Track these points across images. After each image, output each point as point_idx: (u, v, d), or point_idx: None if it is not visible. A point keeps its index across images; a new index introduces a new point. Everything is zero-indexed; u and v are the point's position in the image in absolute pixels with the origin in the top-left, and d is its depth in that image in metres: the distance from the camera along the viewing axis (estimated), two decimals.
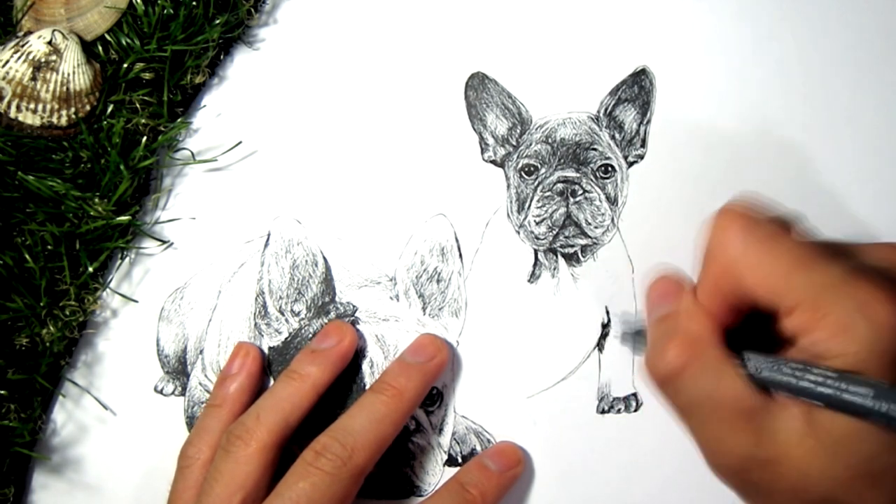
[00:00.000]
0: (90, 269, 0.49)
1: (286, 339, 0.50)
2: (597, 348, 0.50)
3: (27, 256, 0.48)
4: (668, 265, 0.43)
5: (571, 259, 0.50)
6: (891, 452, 0.33)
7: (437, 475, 0.49)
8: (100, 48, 0.50)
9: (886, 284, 0.33)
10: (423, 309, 0.50)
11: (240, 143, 0.51)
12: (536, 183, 0.50)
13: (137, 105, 0.50)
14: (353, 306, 0.50)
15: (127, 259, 0.51)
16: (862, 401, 0.32)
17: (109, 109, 0.50)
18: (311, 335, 0.49)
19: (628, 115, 0.51)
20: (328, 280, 0.50)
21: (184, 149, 0.51)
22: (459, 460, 0.49)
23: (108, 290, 0.50)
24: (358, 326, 0.49)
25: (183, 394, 0.50)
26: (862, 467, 0.33)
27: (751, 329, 0.37)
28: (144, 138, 0.49)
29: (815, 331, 0.33)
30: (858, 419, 0.32)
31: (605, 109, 0.51)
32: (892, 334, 0.32)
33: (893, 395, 0.31)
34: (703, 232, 0.38)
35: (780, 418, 0.34)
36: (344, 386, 0.49)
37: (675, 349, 0.37)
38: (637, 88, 0.51)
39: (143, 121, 0.49)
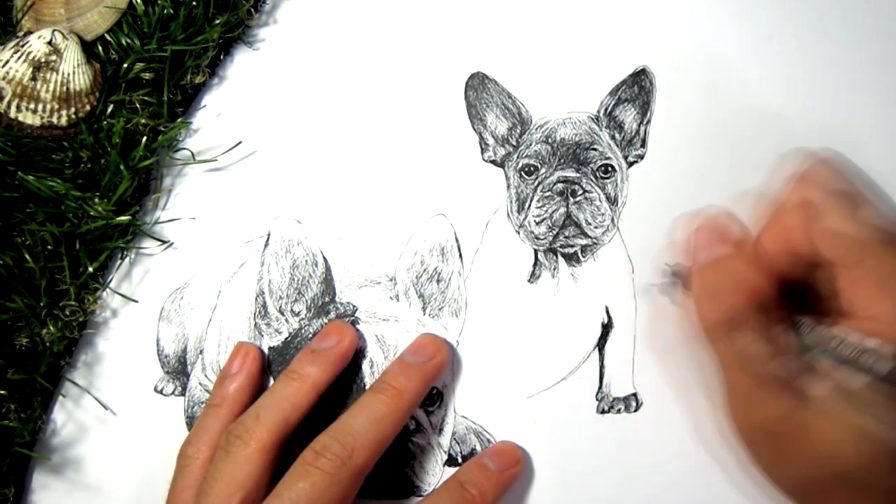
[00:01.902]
0: (90, 269, 0.49)
1: (286, 339, 0.50)
2: (597, 348, 0.50)
3: (27, 256, 0.48)
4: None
5: (571, 259, 0.50)
6: None
7: (437, 475, 0.49)
8: (100, 48, 0.50)
9: None
10: (423, 309, 0.50)
11: (240, 143, 0.51)
12: (536, 183, 0.50)
13: (137, 105, 0.50)
14: (353, 306, 0.50)
15: (127, 259, 0.51)
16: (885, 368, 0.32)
17: (109, 109, 0.50)
18: (311, 335, 0.49)
19: (628, 115, 0.51)
20: (328, 280, 0.50)
21: (184, 149, 0.51)
22: (459, 460, 0.49)
23: (108, 290, 0.50)
24: (358, 326, 0.49)
25: (183, 394, 0.50)
26: (891, 454, 0.33)
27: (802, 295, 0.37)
28: (144, 138, 0.49)
29: (860, 291, 0.34)
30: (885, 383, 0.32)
31: (605, 109, 0.51)
32: None
33: None
34: (782, 184, 0.37)
35: (820, 388, 0.34)
36: (344, 386, 0.49)
37: (734, 298, 0.36)
38: (637, 88, 0.51)
39: (143, 121, 0.49)
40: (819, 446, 0.34)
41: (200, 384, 0.50)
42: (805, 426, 0.34)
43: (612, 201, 0.50)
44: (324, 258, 0.50)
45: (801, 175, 0.37)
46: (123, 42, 0.50)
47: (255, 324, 0.50)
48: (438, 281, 0.50)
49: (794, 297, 0.37)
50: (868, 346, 0.33)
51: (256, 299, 0.50)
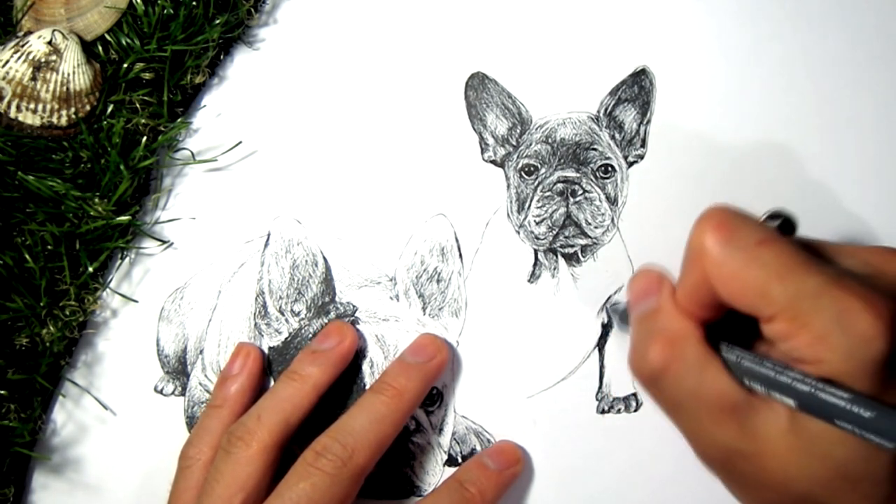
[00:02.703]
0: (90, 269, 0.49)
1: (286, 339, 0.50)
2: (597, 348, 0.50)
3: (27, 256, 0.48)
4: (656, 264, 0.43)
5: (571, 259, 0.50)
6: (868, 460, 0.33)
7: (436, 475, 0.49)
8: (100, 48, 0.50)
9: (866, 293, 0.33)
10: (423, 309, 0.50)
11: (240, 143, 0.51)
12: (536, 183, 0.50)
13: (137, 105, 0.50)
14: (353, 306, 0.50)
15: (127, 259, 0.51)
16: (836, 401, 0.32)
17: (109, 109, 0.50)
18: (311, 335, 0.49)
19: (628, 115, 0.51)
20: (328, 280, 0.50)
21: (184, 149, 0.51)
22: (459, 460, 0.49)
23: (108, 290, 0.50)
24: (358, 326, 0.49)
25: (183, 394, 0.50)
26: (840, 470, 0.33)
27: (734, 320, 0.37)
28: (144, 138, 0.49)
29: (793, 338, 0.33)
30: (829, 423, 0.32)
31: (605, 109, 0.51)
32: (869, 344, 0.32)
33: (869, 403, 0.31)
34: (689, 233, 0.38)
35: (763, 414, 0.35)
36: (344, 386, 0.49)
37: (655, 349, 0.37)
38: (637, 88, 0.51)
39: (143, 121, 0.49)
40: (773, 472, 0.34)
41: (200, 384, 0.50)
42: (755, 453, 0.35)
43: (612, 201, 0.50)
44: (324, 258, 0.50)
45: (699, 219, 0.37)
46: (123, 42, 0.50)
47: (255, 324, 0.50)
48: (438, 281, 0.50)
49: (739, 324, 0.37)
50: (791, 367, 0.33)
51: (256, 299, 0.50)
